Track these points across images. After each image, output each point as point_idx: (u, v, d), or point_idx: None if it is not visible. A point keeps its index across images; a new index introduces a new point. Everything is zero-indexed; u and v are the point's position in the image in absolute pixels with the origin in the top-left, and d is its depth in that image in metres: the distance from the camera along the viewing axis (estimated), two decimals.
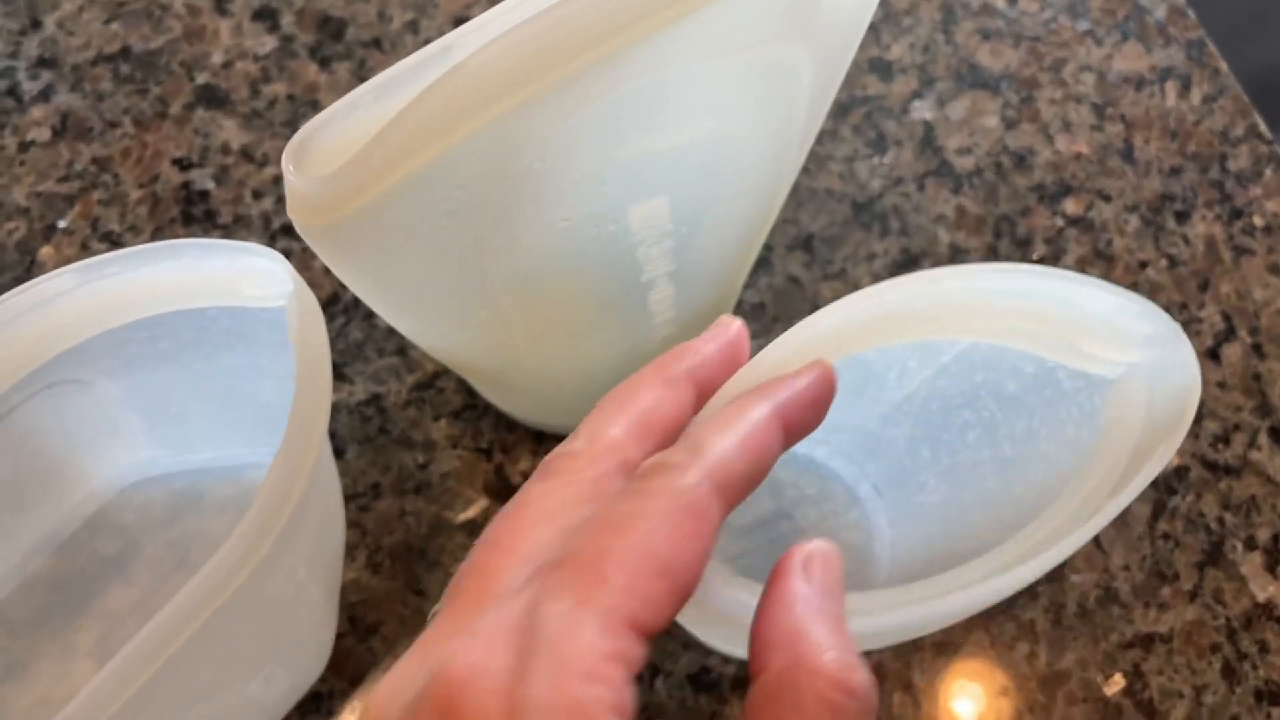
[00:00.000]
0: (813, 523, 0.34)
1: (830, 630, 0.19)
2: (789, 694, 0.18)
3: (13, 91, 0.41)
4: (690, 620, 0.23)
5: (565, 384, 0.33)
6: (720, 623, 0.22)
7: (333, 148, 0.21)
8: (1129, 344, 0.25)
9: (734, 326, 0.24)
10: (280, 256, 0.26)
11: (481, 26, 0.22)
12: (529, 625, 0.16)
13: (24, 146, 0.40)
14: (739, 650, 0.21)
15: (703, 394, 0.23)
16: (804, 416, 0.22)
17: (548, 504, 0.19)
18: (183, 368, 0.30)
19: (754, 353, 0.24)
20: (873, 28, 0.45)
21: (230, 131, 0.41)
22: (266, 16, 0.43)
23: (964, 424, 0.30)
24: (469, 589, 0.18)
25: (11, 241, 0.39)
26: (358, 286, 0.25)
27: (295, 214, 0.21)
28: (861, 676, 0.18)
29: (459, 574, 0.19)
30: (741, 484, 0.19)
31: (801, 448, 0.34)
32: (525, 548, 0.18)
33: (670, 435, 0.21)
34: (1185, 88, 0.45)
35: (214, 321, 0.28)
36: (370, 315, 0.39)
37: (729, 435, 0.20)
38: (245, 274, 0.26)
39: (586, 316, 0.31)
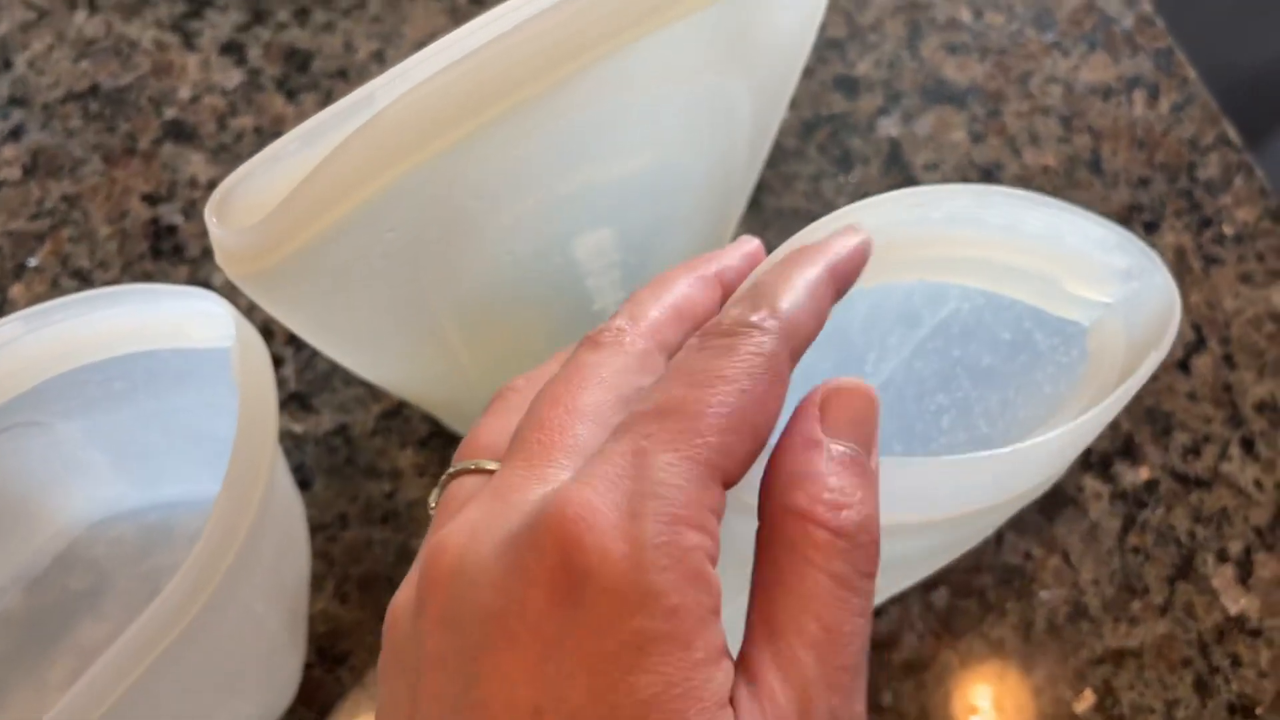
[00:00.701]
0: None
1: (833, 469, 0.19)
2: (780, 536, 0.18)
3: None
4: None
5: None
6: None
7: (257, 199, 0.22)
8: (1108, 279, 0.25)
9: (754, 243, 0.25)
10: (223, 300, 0.26)
11: (404, 74, 0.22)
12: (636, 473, 0.17)
13: None
14: None
15: (728, 295, 0.23)
16: (850, 277, 0.22)
17: (601, 371, 0.20)
18: (139, 407, 0.30)
19: None
20: (838, 45, 0.45)
21: (198, 165, 0.42)
22: (234, 50, 0.44)
23: (938, 409, 0.30)
24: (535, 442, 0.19)
25: None
26: (300, 329, 0.26)
27: (224, 265, 0.22)
28: (851, 515, 0.18)
29: (520, 428, 0.19)
30: (805, 342, 0.20)
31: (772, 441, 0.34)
32: (587, 408, 0.19)
33: (701, 325, 0.21)
34: (1153, 97, 0.45)
35: (165, 363, 0.28)
36: None
37: (797, 293, 0.20)
38: (191, 317, 0.27)
39: (538, 347, 0.31)
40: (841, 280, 0.22)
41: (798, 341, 0.20)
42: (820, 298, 0.21)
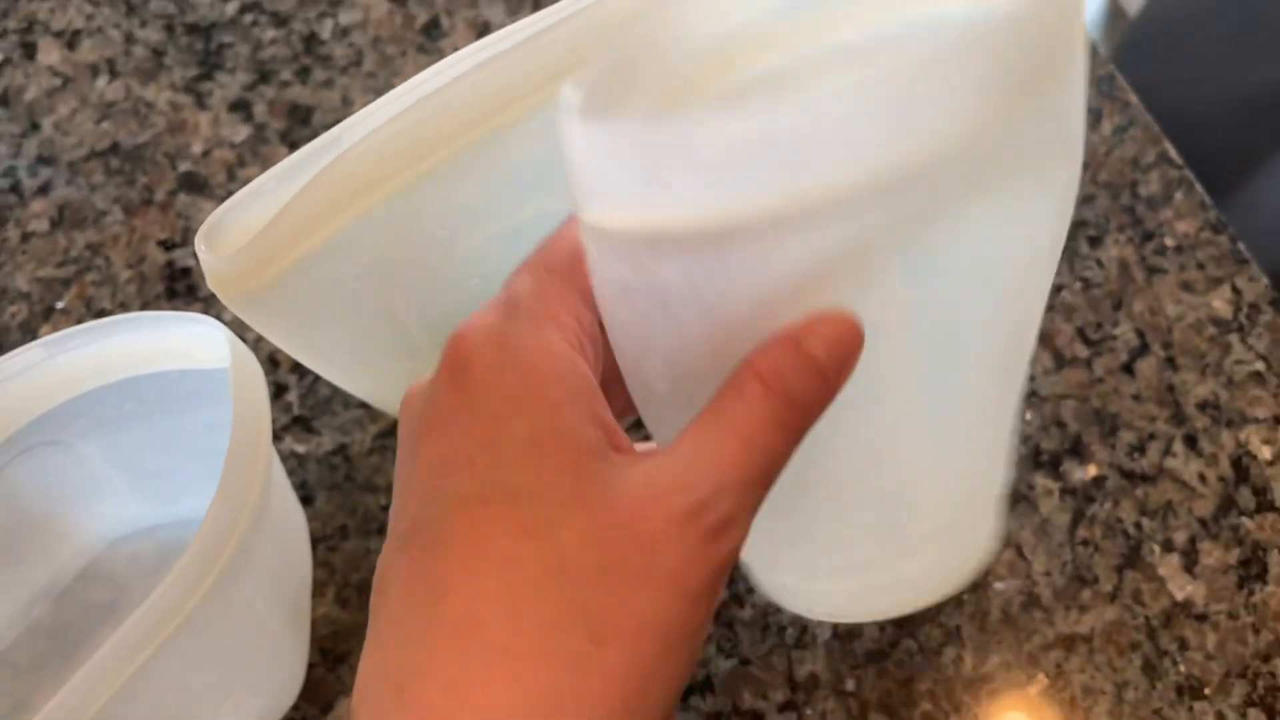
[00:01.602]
0: None
1: (795, 359, 0.21)
2: (730, 380, 0.21)
3: (15, 188, 0.46)
4: None
5: None
6: None
7: (241, 229, 0.25)
8: None
9: None
10: (219, 323, 0.29)
11: (367, 117, 0.26)
12: (507, 298, 0.23)
13: (25, 237, 0.45)
14: None
15: None
16: None
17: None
18: (153, 426, 0.34)
19: None
20: None
21: (210, 213, 0.45)
22: (241, 108, 0.48)
23: None
24: None
25: (14, 323, 0.43)
26: (287, 346, 0.29)
27: (213, 287, 0.25)
28: (791, 382, 0.21)
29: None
30: None
31: None
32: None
33: None
34: (1096, 121, 0.48)
35: (172, 384, 0.32)
36: None
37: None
38: (194, 340, 0.30)
39: None
40: None
41: None
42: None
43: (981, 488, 0.28)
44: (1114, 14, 1.64)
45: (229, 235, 0.25)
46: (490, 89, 0.26)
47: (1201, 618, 0.39)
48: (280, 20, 0.50)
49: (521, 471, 0.20)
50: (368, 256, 0.27)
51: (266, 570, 0.32)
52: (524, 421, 0.21)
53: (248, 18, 0.50)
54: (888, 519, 0.26)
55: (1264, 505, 0.41)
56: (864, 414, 0.23)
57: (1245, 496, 0.41)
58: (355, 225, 0.26)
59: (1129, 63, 1.38)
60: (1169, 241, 0.46)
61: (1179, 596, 0.39)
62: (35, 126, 0.47)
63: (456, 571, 0.20)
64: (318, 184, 0.24)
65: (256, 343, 0.40)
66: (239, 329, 0.39)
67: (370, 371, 0.32)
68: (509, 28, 0.28)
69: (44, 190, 0.46)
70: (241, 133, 0.47)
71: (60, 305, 0.43)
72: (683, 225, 0.18)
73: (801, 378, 0.21)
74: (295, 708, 0.37)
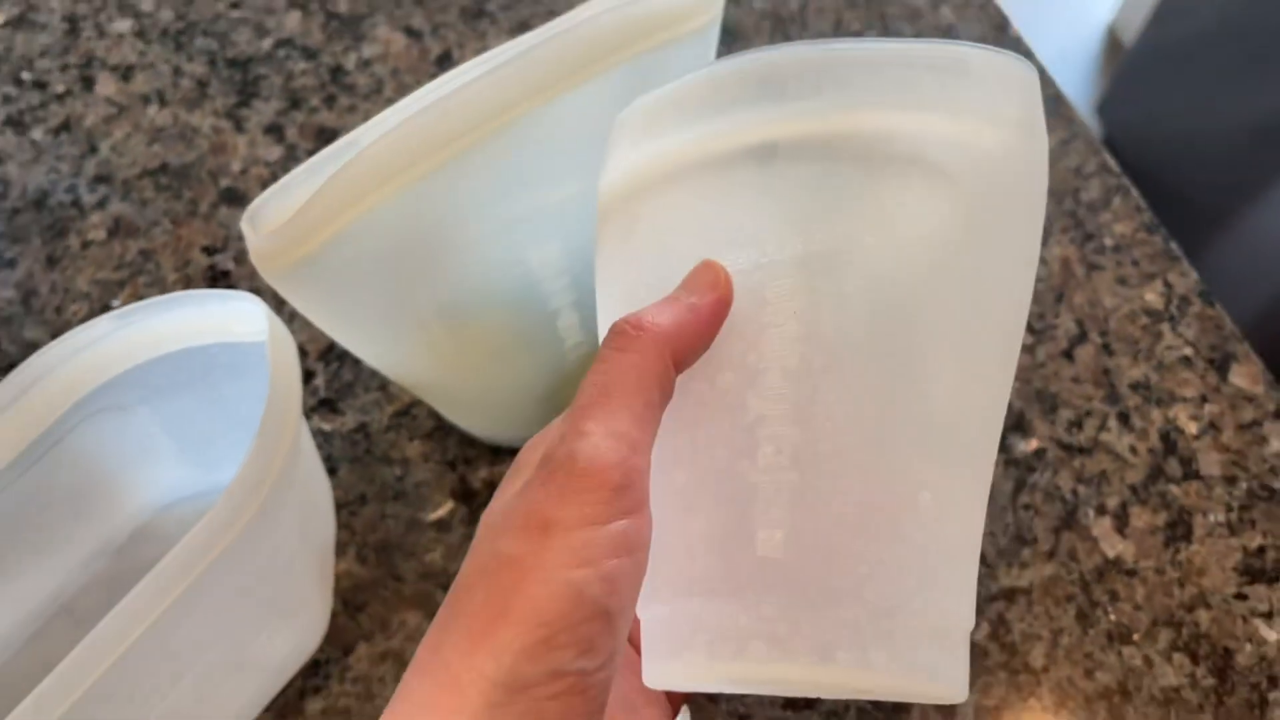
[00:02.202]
0: None
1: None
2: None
3: (76, 203, 0.52)
4: None
5: (498, 398, 0.42)
6: None
7: (278, 214, 0.30)
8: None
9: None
10: (257, 299, 0.35)
11: (383, 121, 0.31)
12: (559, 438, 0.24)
13: (85, 245, 0.51)
14: None
15: None
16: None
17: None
18: (199, 396, 0.39)
19: None
20: None
21: None
22: (275, 131, 0.54)
23: None
24: None
25: (76, 320, 0.49)
26: (315, 318, 0.34)
27: (256, 262, 0.30)
28: (620, 322, 0.24)
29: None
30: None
31: None
32: None
33: None
34: None
35: (215, 357, 0.37)
36: (358, 360, 0.48)
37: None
38: (234, 316, 0.36)
39: (506, 340, 0.40)
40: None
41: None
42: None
43: (949, 565, 0.25)
44: (1111, 44, 1.70)
45: (268, 219, 0.30)
46: (489, 96, 0.31)
47: (1131, 573, 0.44)
48: (310, 54, 0.56)
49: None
50: (383, 241, 0.32)
51: (296, 519, 0.37)
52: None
53: (281, 52, 0.56)
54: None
55: (1190, 474, 0.45)
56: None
57: (1173, 466, 0.46)
58: (370, 214, 0.31)
59: (1126, 91, 1.43)
60: (1108, 241, 0.50)
61: (1111, 554, 0.44)
62: (94, 149, 0.53)
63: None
64: (338, 178, 0.30)
65: (290, 321, 0.45)
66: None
67: (388, 343, 0.37)
68: (505, 44, 0.33)
69: (101, 204, 0.52)
70: (275, 153, 0.53)
71: (115, 304, 0.49)
72: None
73: (659, 310, 0.25)
74: (320, 649, 0.42)
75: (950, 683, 0.24)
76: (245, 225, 0.30)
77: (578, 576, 0.23)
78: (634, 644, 0.30)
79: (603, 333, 0.28)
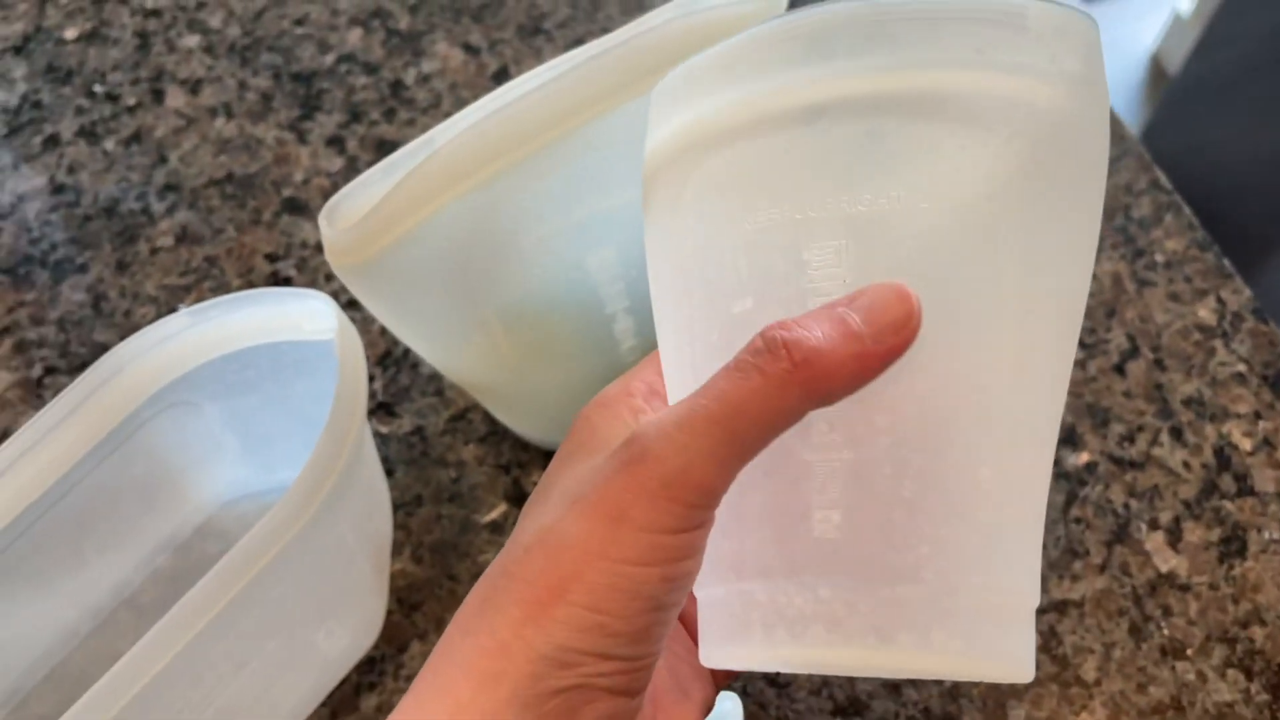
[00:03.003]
0: None
1: (817, 316, 0.23)
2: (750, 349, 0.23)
3: (145, 210, 0.53)
4: None
5: (553, 401, 0.43)
6: None
7: (354, 212, 0.32)
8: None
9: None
10: (328, 298, 0.36)
11: (455, 124, 0.32)
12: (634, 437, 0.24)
13: (154, 251, 0.52)
14: None
15: None
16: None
17: None
18: (265, 394, 0.40)
19: None
20: None
21: (308, 231, 0.52)
22: (336, 143, 0.55)
23: None
24: None
25: (145, 322, 0.50)
26: (381, 315, 0.35)
27: (330, 257, 0.31)
28: (785, 334, 0.22)
29: None
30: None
31: None
32: None
33: None
34: None
35: (285, 354, 0.38)
36: (416, 364, 0.49)
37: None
38: (305, 314, 0.37)
39: (564, 343, 0.40)
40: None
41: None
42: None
43: (1011, 542, 0.24)
44: (1155, 73, 1.69)
45: (345, 215, 0.32)
46: (559, 101, 0.32)
47: (1184, 588, 0.43)
48: (371, 69, 0.57)
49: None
50: (452, 240, 0.33)
51: (357, 514, 0.38)
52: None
53: (343, 67, 0.57)
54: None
55: (1245, 490, 0.45)
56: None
57: (1227, 482, 0.45)
58: (442, 212, 0.32)
59: (1170, 120, 1.43)
60: (1159, 257, 0.51)
61: (1164, 569, 0.44)
62: (163, 159, 0.55)
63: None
64: (413, 176, 0.31)
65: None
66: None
67: (449, 343, 0.38)
68: (572, 52, 0.34)
69: (170, 212, 0.53)
70: (336, 164, 0.54)
71: (182, 308, 0.51)
72: None
73: (829, 348, 0.22)
74: (375, 646, 0.43)
75: (1016, 661, 0.24)
76: (323, 220, 0.31)
77: (641, 575, 0.23)
78: (685, 622, 0.31)
79: (660, 312, 0.27)
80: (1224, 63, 1.40)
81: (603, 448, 0.25)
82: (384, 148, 0.55)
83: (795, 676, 0.42)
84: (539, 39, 0.58)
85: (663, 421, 0.23)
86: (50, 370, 0.49)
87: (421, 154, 0.32)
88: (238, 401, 0.40)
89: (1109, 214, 0.52)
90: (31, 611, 0.41)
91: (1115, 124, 0.54)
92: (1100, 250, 0.51)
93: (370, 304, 0.34)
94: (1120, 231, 0.51)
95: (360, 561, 0.39)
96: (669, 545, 0.23)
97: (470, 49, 0.58)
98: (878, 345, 0.22)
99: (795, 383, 0.22)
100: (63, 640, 0.42)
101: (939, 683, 0.42)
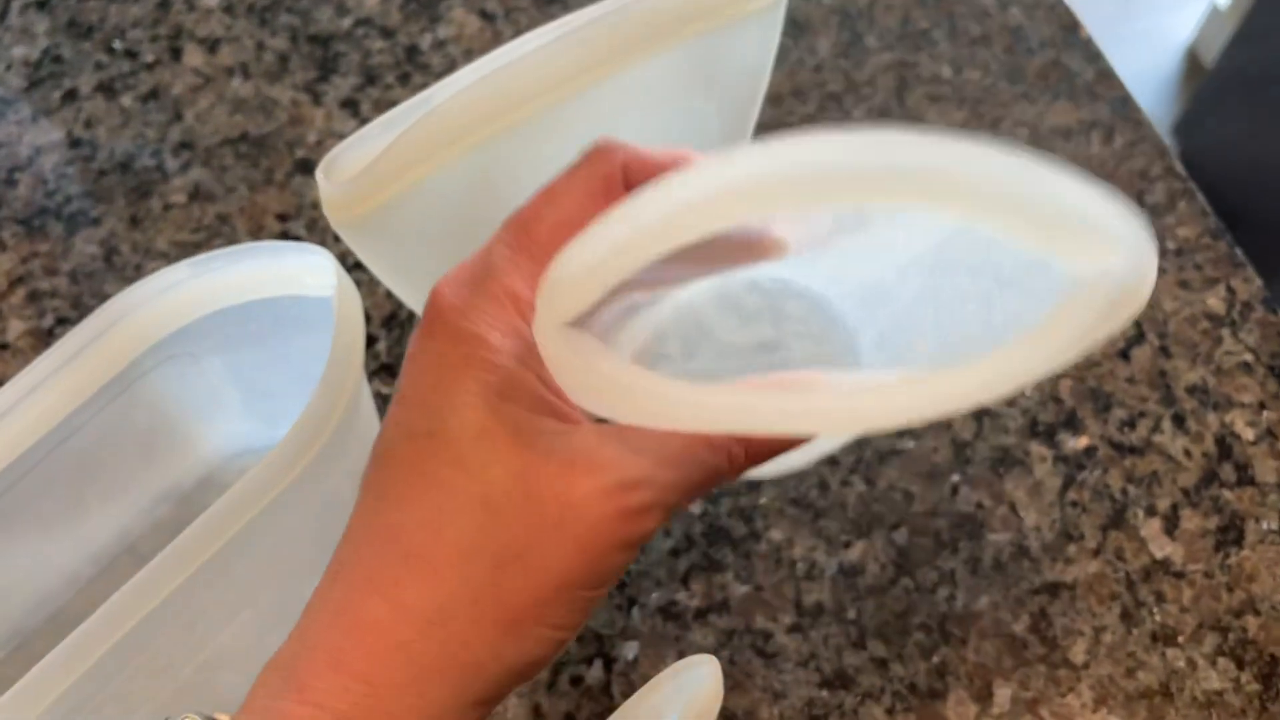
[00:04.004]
0: (808, 358, 0.35)
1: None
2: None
3: (160, 167, 0.54)
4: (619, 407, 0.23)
5: None
6: (654, 413, 0.22)
7: (352, 166, 0.32)
8: (1105, 243, 0.23)
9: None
10: (328, 253, 0.36)
11: (455, 81, 0.32)
12: (483, 259, 0.25)
13: (166, 208, 0.53)
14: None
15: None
16: None
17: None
18: (265, 350, 0.40)
19: None
20: (836, 97, 0.55)
21: (319, 193, 0.53)
22: (351, 106, 0.55)
23: (964, 294, 0.29)
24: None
25: None
26: (380, 272, 0.35)
27: (327, 211, 0.32)
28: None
29: None
30: (651, 168, 0.26)
31: (817, 286, 0.35)
32: None
33: None
34: (1109, 136, 0.53)
35: (285, 310, 0.38)
36: None
37: (655, 147, 0.27)
38: (306, 269, 0.37)
39: None
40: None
41: (635, 168, 0.26)
42: (672, 157, 0.27)
43: None
44: (1191, 66, 1.67)
45: (342, 170, 0.32)
46: (561, 61, 0.32)
47: (1179, 575, 0.43)
48: (387, 33, 0.57)
49: (464, 415, 0.23)
50: (452, 199, 0.33)
51: (354, 467, 0.38)
52: (473, 378, 0.24)
53: (360, 30, 0.58)
54: None
55: (1245, 480, 0.45)
56: None
57: (1227, 471, 0.45)
58: (441, 171, 0.32)
59: (1205, 113, 1.41)
60: (1170, 245, 0.50)
61: (1159, 555, 0.44)
62: (179, 117, 0.55)
63: (395, 487, 0.24)
64: (412, 132, 0.31)
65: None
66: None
67: None
68: (576, 13, 0.34)
69: (184, 169, 0.54)
70: (350, 126, 0.55)
71: None
72: None
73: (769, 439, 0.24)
74: None
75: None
76: (320, 174, 0.31)
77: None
78: None
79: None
80: (1262, 56, 1.37)
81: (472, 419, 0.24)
82: None
83: (783, 647, 0.42)
84: (555, 7, 0.58)
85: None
86: (61, 320, 0.50)
87: (419, 112, 0.32)
88: (239, 355, 0.41)
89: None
90: (32, 555, 0.41)
91: (1132, 108, 0.54)
92: None
93: (368, 261, 0.35)
94: None
95: None
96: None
97: (486, 16, 0.58)
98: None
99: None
100: (64, 585, 0.43)
101: (926, 659, 0.42)
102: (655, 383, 0.21)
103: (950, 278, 0.29)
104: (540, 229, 0.25)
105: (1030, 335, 0.22)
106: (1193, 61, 1.68)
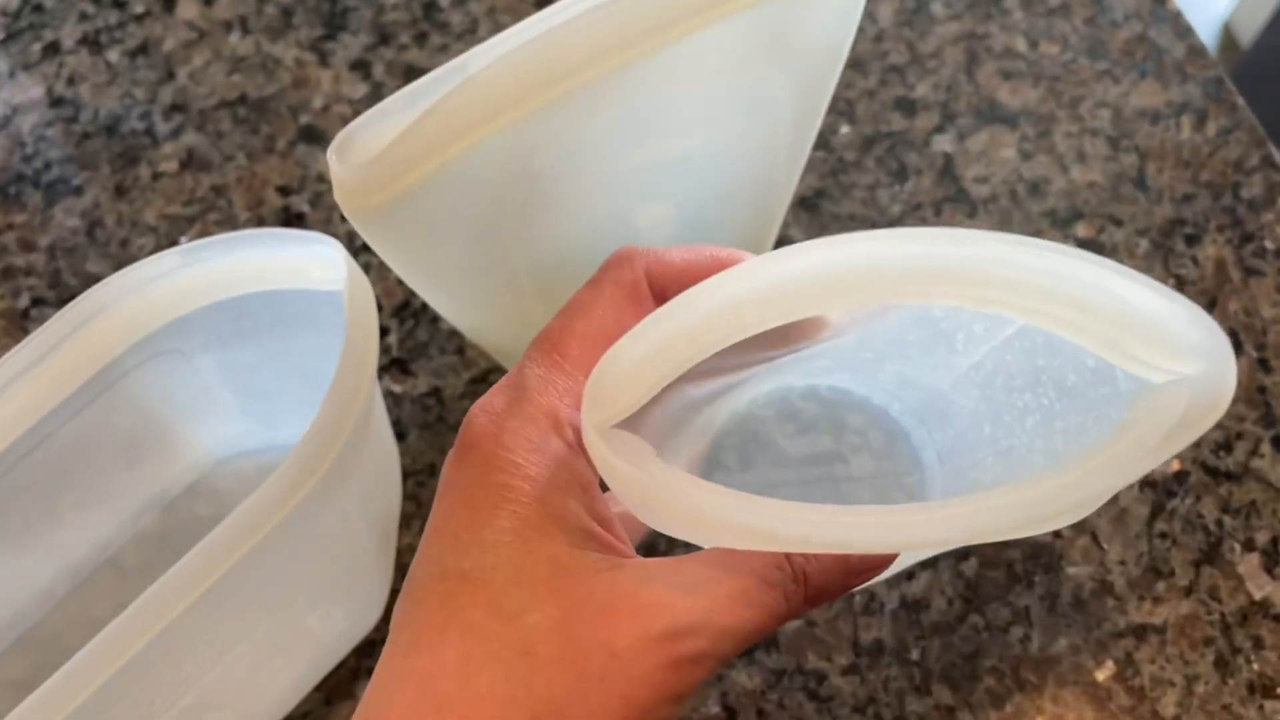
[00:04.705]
0: (867, 474, 0.34)
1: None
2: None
3: (149, 131, 0.49)
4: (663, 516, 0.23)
5: None
6: (700, 525, 0.22)
7: (369, 146, 0.27)
8: (1179, 352, 0.23)
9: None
10: (338, 243, 0.31)
11: (492, 48, 0.27)
12: (517, 381, 0.24)
13: (156, 176, 0.48)
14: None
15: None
16: None
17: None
18: (263, 346, 0.36)
19: None
20: (899, 69, 0.49)
21: (325, 164, 0.47)
22: (361, 67, 0.50)
23: (1024, 407, 0.29)
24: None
25: (143, 255, 0.46)
26: (397, 266, 0.31)
27: (339, 198, 0.27)
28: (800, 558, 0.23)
29: None
30: (672, 270, 0.26)
31: (877, 397, 0.34)
32: None
33: None
34: (1201, 121, 0.48)
35: (286, 304, 0.33)
36: (435, 319, 0.44)
37: (677, 249, 0.26)
38: (311, 260, 0.32)
39: None
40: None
41: (659, 274, 0.26)
42: (701, 255, 0.27)
43: None
44: (1227, 43, 1.61)
45: (358, 150, 0.27)
46: (612, 26, 0.27)
47: (1279, 619, 0.39)
48: None
49: (499, 554, 0.22)
50: (480, 187, 0.29)
51: (362, 486, 0.34)
52: (508, 513, 0.22)
53: None
54: None
55: None
56: None
57: None
58: (472, 152, 0.27)
59: (1241, 94, 1.36)
60: (1269, 244, 0.45)
61: (1257, 595, 0.39)
62: (171, 75, 0.50)
63: (427, 632, 0.22)
64: (440, 108, 0.26)
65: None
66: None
67: (472, 300, 0.33)
68: None
69: (175, 134, 0.49)
70: (360, 90, 0.50)
71: (184, 240, 0.46)
72: None
73: (826, 571, 0.23)
74: (377, 629, 0.39)
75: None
76: (331, 155, 0.26)
77: None
78: None
79: None
80: None
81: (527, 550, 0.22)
82: (412, 75, 0.50)
83: (838, 690, 0.37)
84: None
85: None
86: (38, 301, 0.45)
87: (451, 82, 0.27)
88: (233, 353, 0.36)
89: (1215, 192, 0.46)
90: (2, 570, 0.37)
91: (1227, 93, 0.49)
92: (1203, 233, 0.46)
93: (384, 253, 0.30)
94: (1227, 212, 0.46)
95: (364, 539, 0.35)
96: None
97: None
98: (861, 580, 0.24)
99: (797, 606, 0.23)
100: (38, 601, 0.39)
101: (998, 708, 0.37)
102: (706, 492, 0.21)
103: (1011, 389, 0.29)
104: (571, 345, 0.24)
105: (1103, 451, 0.22)
106: (1228, 39, 1.62)
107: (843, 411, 0.34)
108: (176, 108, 0.49)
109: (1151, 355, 0.23)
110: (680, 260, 0.26)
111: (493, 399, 0.24)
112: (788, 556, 0.22)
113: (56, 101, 0.50)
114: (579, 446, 0.23)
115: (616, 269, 0.26)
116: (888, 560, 0.24)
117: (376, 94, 0.49)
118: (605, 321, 0.25)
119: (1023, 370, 0.28)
